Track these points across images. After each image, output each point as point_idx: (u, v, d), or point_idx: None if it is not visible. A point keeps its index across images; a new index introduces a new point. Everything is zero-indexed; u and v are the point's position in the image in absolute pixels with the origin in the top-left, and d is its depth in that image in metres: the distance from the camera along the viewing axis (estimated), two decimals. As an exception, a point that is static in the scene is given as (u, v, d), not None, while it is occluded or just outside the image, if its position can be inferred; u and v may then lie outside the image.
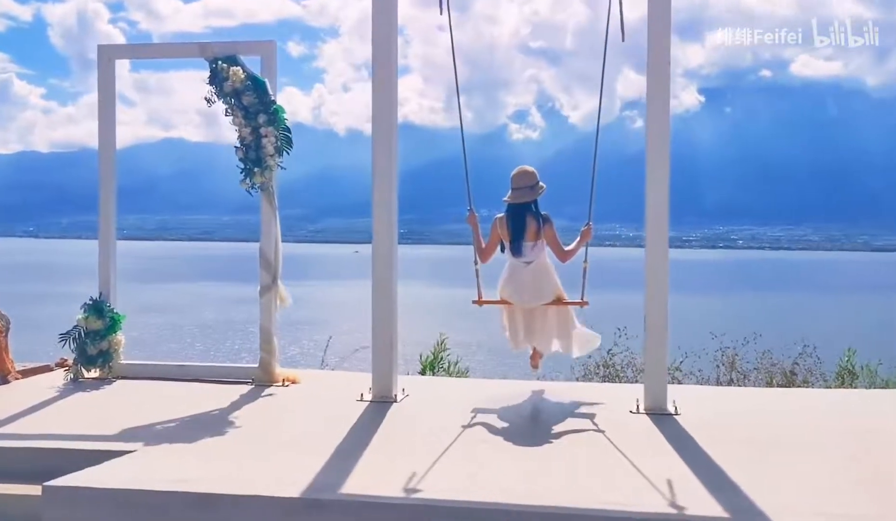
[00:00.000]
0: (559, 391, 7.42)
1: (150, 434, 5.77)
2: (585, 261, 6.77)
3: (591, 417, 6.25)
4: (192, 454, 5.31)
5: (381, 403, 6.72)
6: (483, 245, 6.94)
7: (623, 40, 6.65)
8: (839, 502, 4.36)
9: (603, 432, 5.80)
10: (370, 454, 5.28)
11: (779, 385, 8.96)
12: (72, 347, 7.67)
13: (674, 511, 4.20)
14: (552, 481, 4.77)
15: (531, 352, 7.12)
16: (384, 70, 6.84)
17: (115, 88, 7.87)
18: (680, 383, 8.87)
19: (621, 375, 9.39)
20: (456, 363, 9.83)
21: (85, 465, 5.03)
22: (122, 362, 7.81)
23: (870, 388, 8.53)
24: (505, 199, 6.81)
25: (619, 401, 6.73)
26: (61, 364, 8.17)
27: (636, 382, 9.10)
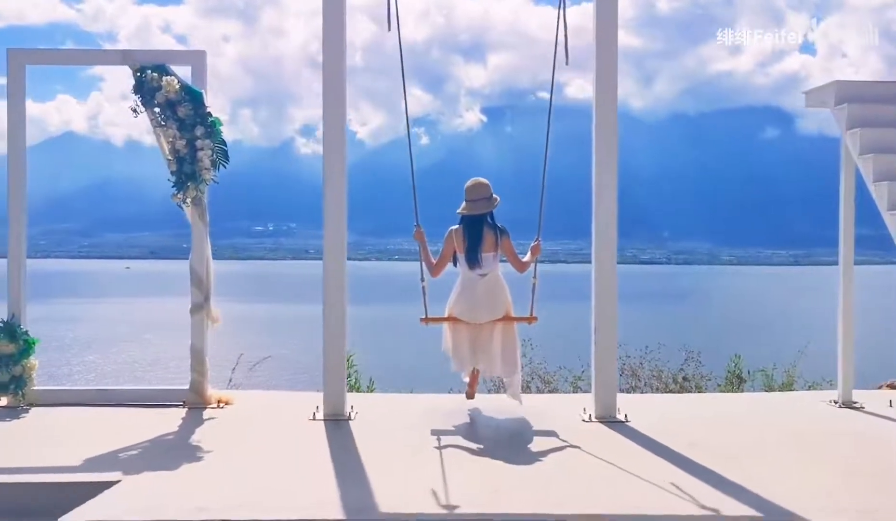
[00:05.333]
0: (494, 404, 7.59)
1: (120, 463, 5.46)
2: (535, 277, 6.88)
3: (549, 427, 6.44)
4: (185, 481, 5.08)
5: (336, 421, 6.66)
6: (433, 260, 6.90)
7: (567, 64, 6.92)
8: (845, 497, 4.80)
9: (573, 441, 6.02)
10: (372, 471, 5.25)
11: (671, 391, 9.58)
12: (-21, 373, 7.05)
13: (708, 513, 4.49)
14: (565, 489, 4.95)
15: (469, 380, 7.09)
16: (334, 88, 6.82)
17: (25, 94, 7.35)
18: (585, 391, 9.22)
19: (530, 385, 9.68)
20: (361, 381, 9.79)
21: (69, 498, 4.72)
22: (35, 388, 7.26)
23: (769, 391, 9.31)
24: (459, 211, 6.81)
25: (561, 410, 7.01)
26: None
27: (546, 392, 9.47)
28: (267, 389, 10.22)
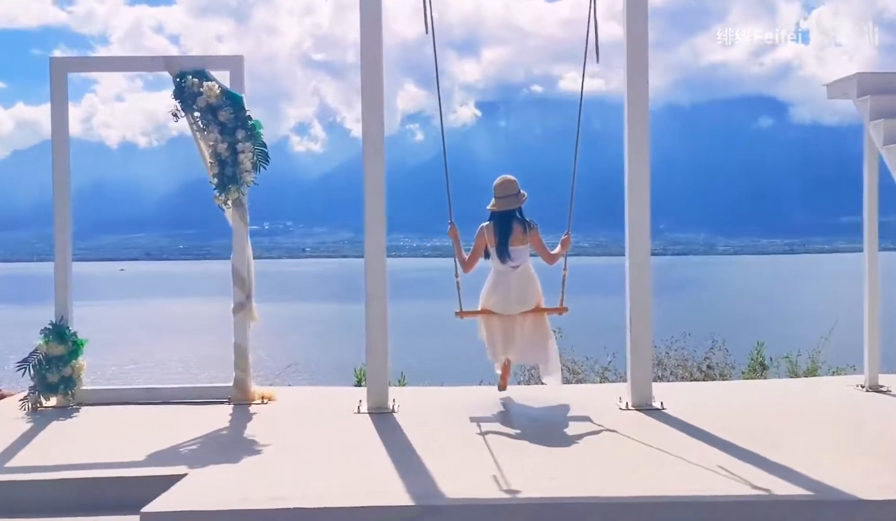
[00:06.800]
0: (527, 395, 7.83)
1: (182, 457, 5.64)
2: (565, 269, 7.18)
3: (589, 416, 6.65)
4: (250, 473, 5.27)
5: (381, 414, 6.84)
6: (465, 256, 7.17)
7: (598, 62, 7.13)
8: (884, 476, 4.99)
9: (615, 429, 6.23)
10: (428, 460, 5.42)
11: (696, 379, 9.77)
12: (31, 374, 7.22)
13: (762, 493, 4.67)
14: (620, 474, 5.14)
15: (501, 372, 7.37)
16: (373, 90, 6.99)
17: (68, 102, 7.53)
18: (612, 382, 9.45)
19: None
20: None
21: (141, 491, 4.88)
22: (83, 388, 7.45)
23: (794, 378, 9.51)
24: (490, 207, 7.11)
25: (596, 400, 7.20)
26: (-4, 394, 7.71)
27: (575, 382, 9.65)
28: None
